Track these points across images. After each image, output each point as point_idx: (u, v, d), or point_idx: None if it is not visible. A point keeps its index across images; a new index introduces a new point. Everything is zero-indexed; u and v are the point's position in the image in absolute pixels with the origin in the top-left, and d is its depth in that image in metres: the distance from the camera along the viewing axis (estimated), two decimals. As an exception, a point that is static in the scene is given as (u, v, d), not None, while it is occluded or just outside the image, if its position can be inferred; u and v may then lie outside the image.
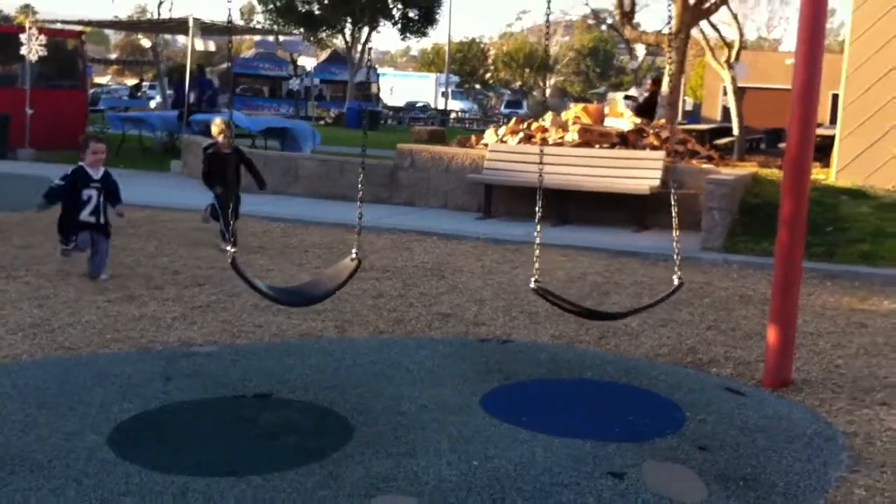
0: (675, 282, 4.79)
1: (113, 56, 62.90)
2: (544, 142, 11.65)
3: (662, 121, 13.34)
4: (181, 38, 36.99)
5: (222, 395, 4.33)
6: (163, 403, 4.17)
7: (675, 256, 4.85)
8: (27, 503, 3.16)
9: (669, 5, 5.33)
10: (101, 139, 7.04)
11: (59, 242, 6.92)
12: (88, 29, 22.62)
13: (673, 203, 4.93)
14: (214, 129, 8.28)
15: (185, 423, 3.99)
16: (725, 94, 24.11)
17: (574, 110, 12.70)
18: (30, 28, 15.06)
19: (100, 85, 46.94)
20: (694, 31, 16.54)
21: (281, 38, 36.05)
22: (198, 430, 3.91)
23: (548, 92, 59.83)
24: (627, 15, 17.27)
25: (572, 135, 11.80)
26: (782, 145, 18.37)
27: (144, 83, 42.51)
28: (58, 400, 4.14)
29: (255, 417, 4.08)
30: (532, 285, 4.27)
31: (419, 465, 3.58)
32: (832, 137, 12.02)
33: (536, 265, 4.37)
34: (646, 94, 17.50)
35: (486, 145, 12.25)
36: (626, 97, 20.59)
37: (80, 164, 6.75)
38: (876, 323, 6.46)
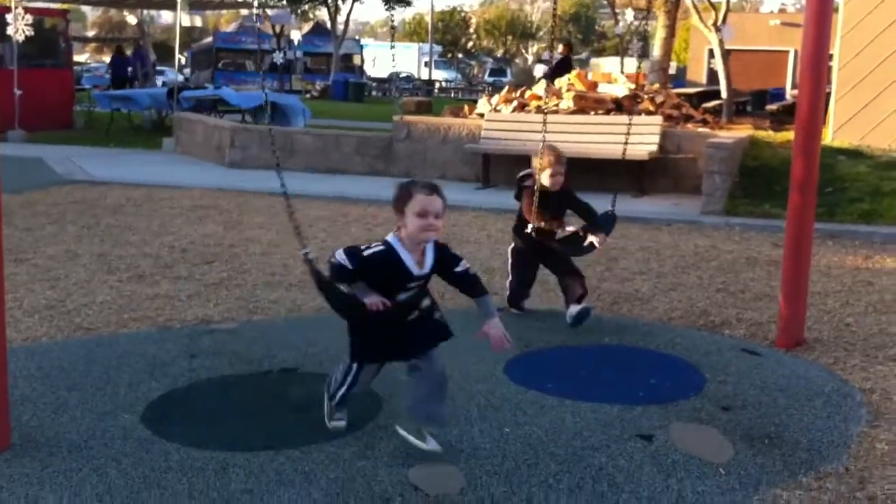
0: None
1: (90, 34, 62.12)
2: (539, 110, 11.65)
3: (656, 86, 13.35)
4: (165, 14, 36.51)
5: (248, 371, 4.36)
6: (190, 381, 4.20)
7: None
8: (70, 483, 3.19)
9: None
10: (437, 188, 3.31)
11: (332, 412, 3.64)
12: (66, 6, 22.32)
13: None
14: (539, 163, 5.19)
15: (215, 400, 4.02)
16: (712, 57, 24.07)
17: (569, 77, 12.67)
18: (16, 7, 14.85)
19: (79, 63, 46.35)
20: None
21: (269, 11, 35.65)
22: (229, 406, 3.94)
23: (529, 60, 59.58)
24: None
25: (567, 102, 11.81)
26: (769, 107, 18.43)
27: (126, 60, 41.98)
28: (85, 381, 4.15)
29: (284, 392, 4.11)
30: (528, 230, 5.24)
31: (452, 433, 3.62)
32: (826, 97, 12.05)
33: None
34: (559, 57, 17.56)
35: (480, 115, 12.24)
36: (540, 60, 20.71)
37: (390, 242, 3.35)
38: (881, 281, 6.54)
